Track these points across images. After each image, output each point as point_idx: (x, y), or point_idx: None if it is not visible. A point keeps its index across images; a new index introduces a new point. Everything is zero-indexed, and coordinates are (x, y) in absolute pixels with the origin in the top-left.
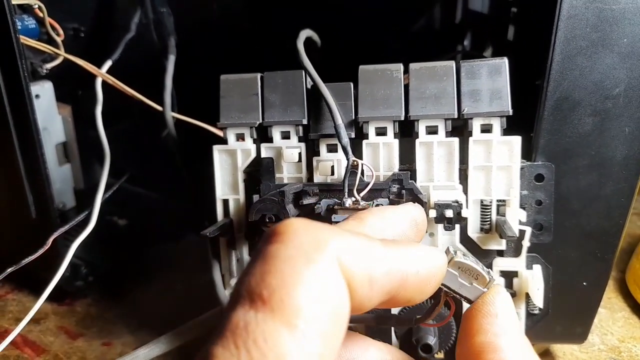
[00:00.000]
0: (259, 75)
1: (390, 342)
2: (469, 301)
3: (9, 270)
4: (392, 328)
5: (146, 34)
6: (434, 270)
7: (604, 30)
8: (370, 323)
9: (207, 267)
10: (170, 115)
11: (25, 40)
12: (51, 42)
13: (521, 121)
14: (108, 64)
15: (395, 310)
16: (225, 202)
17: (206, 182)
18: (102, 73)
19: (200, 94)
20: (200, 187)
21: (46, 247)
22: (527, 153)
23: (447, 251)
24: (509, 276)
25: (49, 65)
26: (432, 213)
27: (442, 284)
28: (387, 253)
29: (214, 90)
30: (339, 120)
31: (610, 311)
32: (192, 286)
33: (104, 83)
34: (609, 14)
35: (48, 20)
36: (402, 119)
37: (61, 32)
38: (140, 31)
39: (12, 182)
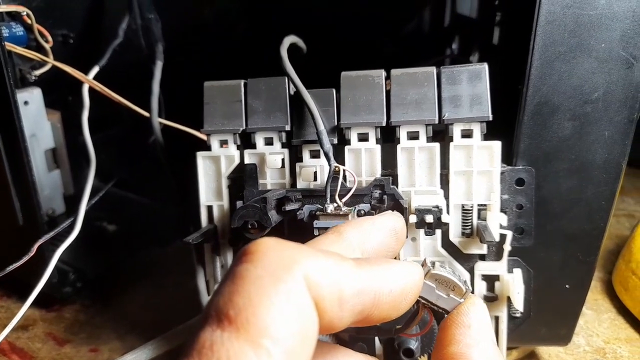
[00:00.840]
0: (242, 82)
1: (374, 350)
2: (446, 312)
3: None
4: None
5: (134, 40)
6: (409, 287)
7: (581, 35)
8: (352, 333)
9: (195, 272)
10: (157, 121)
11: (12, 47)
12: (40, 49)
13: (503, 126)
14: (95, 70)
15: None
16: (210, 209)
17: (193, 187)
18: (88, 79)
19: (188, 100)
20: (187, 193)
21: (31, 253)
22: (508, 158)
23: (424, 263)
24: (491, 280)
25: (38, 72)
26: (413, 218)
27: (420, 296)
28: (358, 273)
29: (201, 97)
30: (321, 127)
31: (597, 312)
32: (180, 291)
33: (93, 89)
34: (586, 20)
35: (36, 27)
36: (384, 124)
37: (50, 38)
38: (128, 37)
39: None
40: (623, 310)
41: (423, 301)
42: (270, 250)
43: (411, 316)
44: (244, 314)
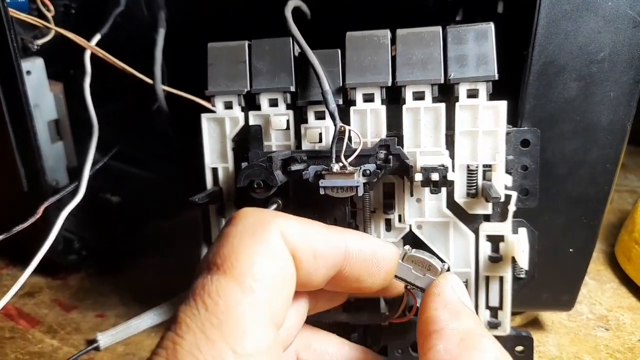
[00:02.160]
0: (246, 42)
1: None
2: (423, 290)
3: (0, 237)
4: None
5: (135, 8)
6: (380, 253)
7: None
8: (343, 319)
9: (200, 233)
10: (161, 88)
11: (15, 13)
12: (41, 17)
13: (507, 89)
14: (97, 37)
15: None
16: (215, 171)
17: (198, 157)
18: (91, 46)
19: (191, 69)
20: (192, 161)
21: (37, 215)
22: (513, 120)
23: (403, 250)
24: (495, 241)
25: (40, 42)
26: (419, 177)
27: (398, 276)
28: (328, 231)
29: (203, 65)
30: (327, 87)
31: (599, 282)
32: (184, 261)
33: (96, 60)
34: None
35: None
36: (390, 85)
37: (51, 7)
38: (129, 5)
39: (3, 155)
40: (626, 280)
41: (402, 281)
42: (250, 213)
43: (398, 302)
44: (229, 260)
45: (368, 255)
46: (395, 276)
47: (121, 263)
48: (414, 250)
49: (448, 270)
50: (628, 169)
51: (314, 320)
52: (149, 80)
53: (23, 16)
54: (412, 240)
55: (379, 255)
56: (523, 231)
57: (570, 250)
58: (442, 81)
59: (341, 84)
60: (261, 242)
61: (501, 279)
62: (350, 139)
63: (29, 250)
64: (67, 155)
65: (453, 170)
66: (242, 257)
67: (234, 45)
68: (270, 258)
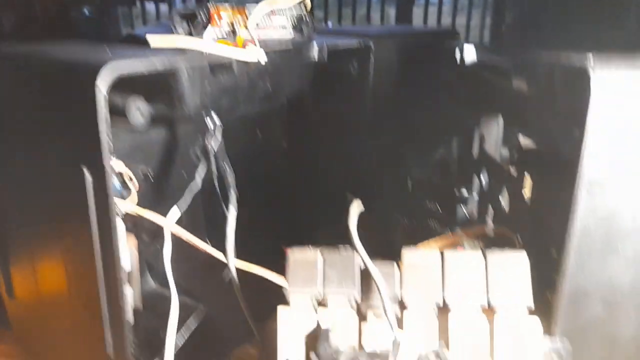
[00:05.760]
0: (319, 254)
1: None
2: None
3: None
4: None
5: (208, 186)
6: None
7: (612, 241)
8: None
9: None
10: (234, 262)
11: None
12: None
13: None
14: (177, 214)
15: None
16: None
17: None
18: (170, 224)
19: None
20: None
21: None
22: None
23: None
24: None
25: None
26: None
27: None
28: None
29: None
30: (387, 300)
31: None
32: None
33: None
34: (614, 229)
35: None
36: (442, 305)
37: (137, 184)
38: (204, 185)
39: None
40: None
41: None
42: None
43: None
44: None
45: None
46: None
47: None
48: None
49: None
50: None
51: None
52: (223, 259)
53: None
54: None
55: None
56: None
57: None
58: (486, 305)
59: (398, 295)
60: None
61: None
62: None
63: None
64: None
65: None
66: None
67: (310, 256)
68: None
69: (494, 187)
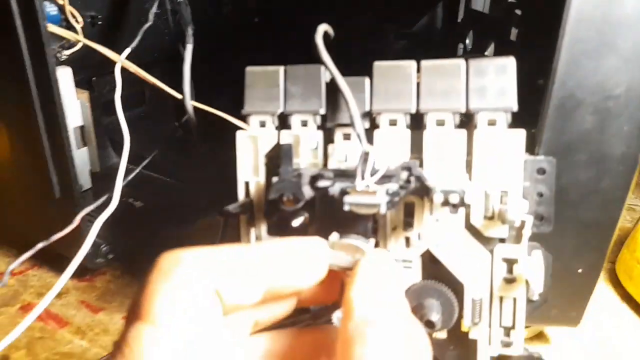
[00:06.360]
0: (281, 68)
1: None
2: None
3: (40, 245)
4: None
5: (163, 23)
6: (303, 258)
7: (609, 34)
8: (288, 325)
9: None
10: (190, 103)
11: (50, 27)
12: (70, 28)
13: (521, 117)
14: (127, 50)
15: None
16: (247, 184)
17: (224, 166)
18: (122, 59)
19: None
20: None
21: (75, 224)
22: (529, 147)
23: (331, 240)
24: (510, 263)
25: (68, 52)
26: (438, 198)
27: (332, 265)
28: (245, 256)
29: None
30: (356, 111)
31: (600, 298)
32: None
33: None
34: (614, 19)
35: (68, 8)
36: (413, 112)
37: (80, 19)
38: (156, 21)
39: (36, 162)
40: (626, 297)
41: (337, 269)
42: (164, 257)
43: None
44: (143, 305)
45: (293, 258)
46: (330, 266)
47: (145, 267)
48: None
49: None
50: None
51: None
52: (178, 95)
53: (58, 30)
54: (429, 257)
55: (302, 259)
56: (538, 254)
57: (580, 270)
58: (464, 110)
59: (368, 109)
60: (172, 283)
61: (514, 300)
62: (374, 160)
63: (53, 253)
64: (91, 160)
65: (471, 195)
66: (153, 300)
67: (270, 70)
68: (181, 298)
69: None
